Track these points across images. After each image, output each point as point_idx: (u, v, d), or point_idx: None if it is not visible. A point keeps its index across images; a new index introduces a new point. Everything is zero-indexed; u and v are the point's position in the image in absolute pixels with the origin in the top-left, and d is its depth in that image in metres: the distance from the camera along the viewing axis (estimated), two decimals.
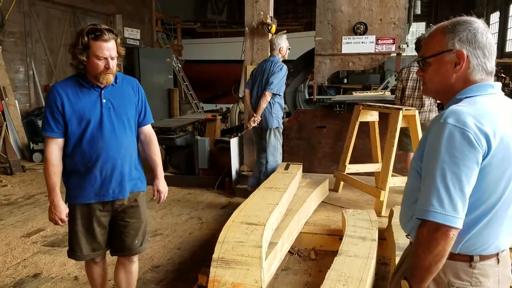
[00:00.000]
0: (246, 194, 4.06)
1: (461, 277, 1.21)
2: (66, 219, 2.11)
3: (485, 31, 1.21)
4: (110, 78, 2.01)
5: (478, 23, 1.22)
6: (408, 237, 1.33)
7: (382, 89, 9.72)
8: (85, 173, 2.05)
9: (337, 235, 3.41)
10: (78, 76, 2.04)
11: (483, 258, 1.22)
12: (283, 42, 4.36)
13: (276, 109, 4.36)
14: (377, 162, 4.37)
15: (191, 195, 5.17)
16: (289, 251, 3.34)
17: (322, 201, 4.27)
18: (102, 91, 2.05)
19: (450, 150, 1.11)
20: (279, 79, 4.21)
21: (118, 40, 2.02)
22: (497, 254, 1.24)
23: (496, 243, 1.22)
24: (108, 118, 2.04)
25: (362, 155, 4.90)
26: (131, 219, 2.21)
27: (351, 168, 4.48)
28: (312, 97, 6.07)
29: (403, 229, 1.35)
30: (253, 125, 4.31)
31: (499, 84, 1.25)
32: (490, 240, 1.21)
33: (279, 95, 4.32)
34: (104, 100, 2.04)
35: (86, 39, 1.93)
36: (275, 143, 4.41)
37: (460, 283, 1.21)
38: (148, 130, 2.29)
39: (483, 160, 1.12)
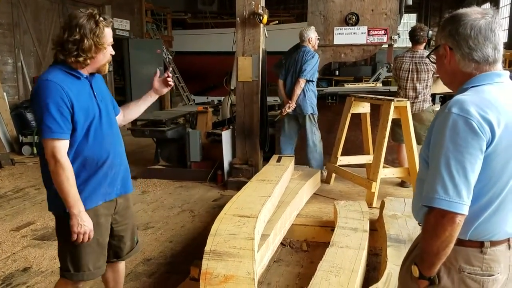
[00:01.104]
0: (238, 186, 4.05)
1: (472, 262, 1.23)
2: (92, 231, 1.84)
3: (473, 22, 1.21)
4: (107, 66, 1.89)
5: (467, 15, 1.23)
6: (420, 225, 1.35)
7: (373, 81, 9.73)
8: (94, 173, 1.85)
9: (329, 226, 3.42)
10: (62, 67, 1.79)
11: (493, 244, 1.24)
12: (311, 33, 4.62)
13: (310, 96, 4.57)
14: (369, 153, 4.39)
15: (183, 188, 5.15)
16: (281, 243, 3.35)
17: (314, 193, 4.29)
18: (92, 83, 1.87)
19: (454, 138, 1.14)
20: (312, 66, 4.48)
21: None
22: (508, 240, 1.27)
23: (506, 229, 1.24)
24: (105, 112, 1.89)
25: (354, 147, 4.91)
26: (128, 219, 2.09)
27: (342, 160, 4.49)
28: None
29: (415, 218, 1.38)
30: (288, 111, 4.59)
31: (507, 73, 1.26)
32: (500, 226, 1.23)
33: (312, 81, 4.56)
34: (96, 93, 1.87)
35: (102, 27, 1.74)
36: (312, 128, 4.67)
37: (471, 268, 1.24)
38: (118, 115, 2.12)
39: (487, 147, 1.15)
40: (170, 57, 12.44)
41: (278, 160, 4.40)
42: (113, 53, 1.87)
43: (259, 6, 4.72)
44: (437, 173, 1.15)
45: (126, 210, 2.08)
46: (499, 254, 1.25)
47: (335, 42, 5.21)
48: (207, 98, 12.25)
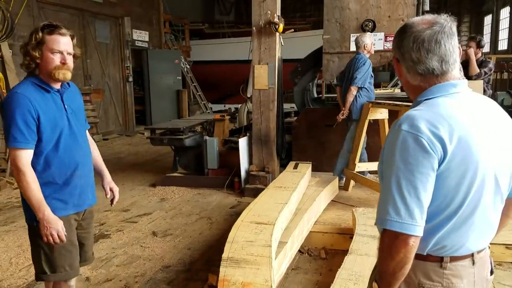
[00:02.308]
0: (255, 194, 4.06)
1: (431, 277, 1.18)
2: (63, 231, 1.89)
3: (416, 34, 1.15)
4: (68, 74, 1.89)
5: (413, 26, 1.17)
6: None
7: (391, 87, 9.64)
8: (64, 184, 1.93)
9: (348, 234, 3.39)
10: (34, 80, 1.89)
11: (454, 259, 1.19)
12: (367, 39, 4.64)
13: (361, 103, 4.63)
14: None
15: (200, 195, 5.18)
16: (299, 251, 3.33)
17: (332, 200, 4.25)
18: (63, 97, 1.95)
19: (404, 157, 1.09)
20: (363, 73, 4.56)
21: (75, 40, 1.94)
22: (472, 255, 1.20)
23: (467, 245, 1.19)
24: (75, 125, 1.97)
25: (372, 153, 4.86)
26: (90, 228, 2.16)
27: (361, 167, 4.45)
28: (320, 95, 6.04)
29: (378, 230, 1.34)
30: (341, 117, 4.74)
31: (463, 82, 1.20)
32: (460, 242, 1.18)
33: (365, 88, 4.62)
34: (66, 106, 1.95)
35: (40, 34, 1.83)
36: (354, 134, 4.71)
37: (431, 283, 1.18)
38: (88, 134, 2.20)
39: (439, 165, 1.10)
40: (188, 67, 12.61)
41: (295, 167, 4.39)
42: (66, 61, 1.88)
43: (275, 15, 4.76)
44: (388, 194, 1.10)
45: (90, 219, 2.15)
46: (461, 269, 1.19)
47: (351, 49, 5.20)
48: (224, 106, 12.33)
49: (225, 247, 2.51)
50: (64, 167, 1.92)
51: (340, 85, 4.91)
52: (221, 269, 2.25)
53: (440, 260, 1.18)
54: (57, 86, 1.94)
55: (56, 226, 1.85)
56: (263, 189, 3.85)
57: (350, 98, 4.59)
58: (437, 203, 1.13)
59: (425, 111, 1.14)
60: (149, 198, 5.08)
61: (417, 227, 1.09)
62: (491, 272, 1.28)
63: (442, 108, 1.14)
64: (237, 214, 3.21)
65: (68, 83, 2.00)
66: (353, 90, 4.57)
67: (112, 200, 2.24)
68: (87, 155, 2.06)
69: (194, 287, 2.90)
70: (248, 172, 5.19)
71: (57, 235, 1.85)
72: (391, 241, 1.11)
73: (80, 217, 2.07)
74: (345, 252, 2.98)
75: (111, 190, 2.21)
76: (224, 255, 2.39)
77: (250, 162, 5.23)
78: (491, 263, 1.29)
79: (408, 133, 1.10)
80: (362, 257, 2.84)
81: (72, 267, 1.99)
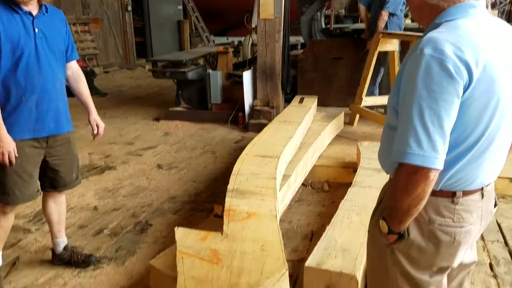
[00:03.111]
0: (259, 129, 4.02)
1: (442, 213, 1.14)
2: (14, 152, 1.89)
3: None
4: None
5: None
6: (389, 175, 1.24)
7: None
8: (19, 106, 1.91)
9: (352, 167, 3.40)
10: (7, 0, 1.85)
11: (466, 193, 1.15)
12: None
13: (393, 29, 4.41)
14: None
15: (204, 130, 5.16)
16: (303, 184, 3.37)
17: (337, 135, 4.23)
18: (34, 20, 1.90)
19: (427, 84, 1.00)
20: None
21: None
22: (482, 189, 1.18)
23: (480, 178, 1.15)
24: (43, 49, 1.92)
25: (380, 87, 4.74)
26: (65, 155, 2.15)
27: (367, 101, 4.37)
28: (329, 26, 5.77)
29: (382, 167, 1.27)
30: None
31: (482, 3, 1.10)
32: (474, 175, 1.13)
33: (396, 14, 4.39)
34: (37, 30, 1.90)
35: None
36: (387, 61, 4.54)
37: (442, 220, 1.14)
38: (75, 66, 2.18)
39: (464, 92, 1.02)
40: None
41: (301, 101, 4.32)
42: None
43: None
44: (409, 125, 1.02)
45: (62, 146, 2.12)
46: (472, 204, 1.15)
47: None
48: (227, 39, 11.92)
49: (230, 179, 2.53)
50: (20, 90, 1.89)
51: (365, 4, 4.64)
52: (227, 199, 2.27)
53: (452, 195, 1.14)
54: (29, 8, 1.88)
55: (8, 146, 1.85)
56: (267, 124, 3.81)
57: (382, 24, 4.33)
58: (456, 134, 1.07)
59: (447, 33, 1.04)
60: (153, 132, 5.07)
61: (438, 160, 1.02)
62: (495, 205, 1.27)
63: (464, 30, 1.04)
64: (241, 149, 3.20)
65: (46, 9, 1.95)
66: (384, 16, 4.31)
67: (95, 135, 2.27)
68: (53, 83, 1.99)
69: (200, 216, 2.97)
70: (252, 107, 5.12)
71: (8, 154, 1.86)
72: (409, 176, 1.04)
73: (44, 145, 2.04)
74: (348, 185, 3.00)
75: (97, 125, 2.24)
76: (230, 187, 2.41)
77: (254, 97, 5.14)
78: (494, 196, 1.27)
79: (432, 57, 1.00)
80: (365, 189, 2.87)
81: (22, 193, 2.00)
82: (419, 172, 1.02)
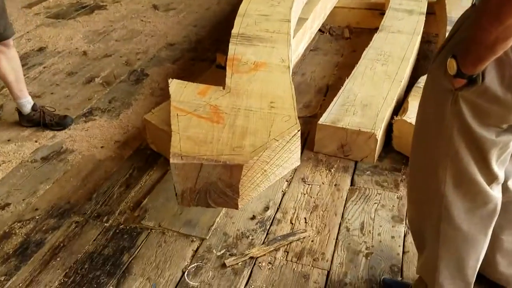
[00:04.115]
0: None
1: None
2: None
3: None
4: None
5: None
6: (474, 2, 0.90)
7: None
8: None
9: (378, 9, 2.92)
10: None
11: None
12: None
13: None
14: None
15: None
16: (320, 30, 2.93)
17: None
18: None
19: None
20: None
21: None
22: None
23: None
24: None
25: None
26: None
27: None
28: None
29: None
30: None
31: None
32: None
33: None
34: None
35: None
36: None
37: None
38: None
39: None
40: None
41: None
42: None
43: None
44: None
45: None
46: None
47: None
48: None
49: (236, 21, 2.11)
50: None
51: None
52: (231, 46, 1.91)
53: None
54: None
55: None
56: None
57: None
58: None
59: None
60: None
61: None
62: None
63: None
64: None
65: None
66: None
67: None
68: None
69: (201, 67, 2.64)
70: None
71: None
72: None
73: None
74: (372, 31, 2.60)
75: None
76: (234, 31, 2.02)
77: None
78: None
79: None
80: (394, 35, 2.46)
81: None
82: None
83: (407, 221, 1.15)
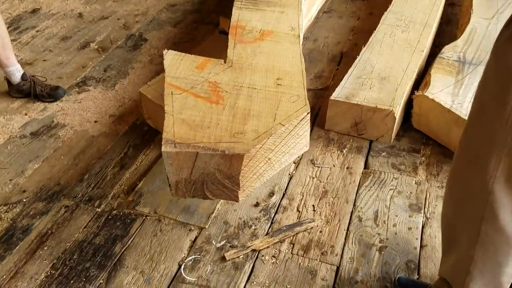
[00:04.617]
0: None
1: None
2: None
3: None
4: None
5: None
6: None
7: None
8: None
9: None
10: None
11: None
12: None
13: None
14: None
15: None
16: None
17: None
18: None
19: None
20: None
21: None
22: None
23: None
24: None
25: None
26: None
27: None
28: None
29: None
30: None
31: None
32: None
33: None
34: None
35: None
36: None
37: None
38: None
39: None
40: None
41: None
42: None
43: None
44: None
45: None
46: None
47: None
48: None
49: None
50: None
51: None
52: (234, 11, 1.71)
53: None
54: None
55: None
56: None
57: None
58: None
59: None
60: None
61: None
62: None
63: None
64: None
65: None
66: None
67: None
68: None
69: (205, 30, 2.43)
70: None
71: None
72: None
73: None
74: None
75: None
76: None
77: None
78: None
79: None
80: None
81: None
82: None
83: (440, 216, 1.02)
